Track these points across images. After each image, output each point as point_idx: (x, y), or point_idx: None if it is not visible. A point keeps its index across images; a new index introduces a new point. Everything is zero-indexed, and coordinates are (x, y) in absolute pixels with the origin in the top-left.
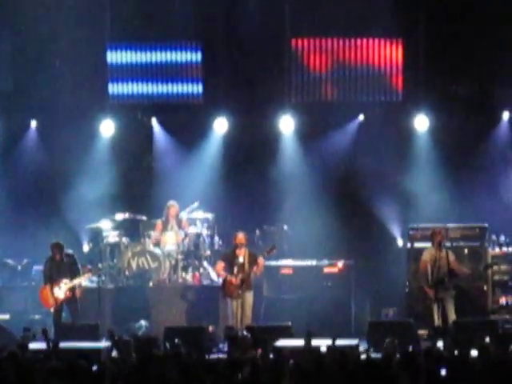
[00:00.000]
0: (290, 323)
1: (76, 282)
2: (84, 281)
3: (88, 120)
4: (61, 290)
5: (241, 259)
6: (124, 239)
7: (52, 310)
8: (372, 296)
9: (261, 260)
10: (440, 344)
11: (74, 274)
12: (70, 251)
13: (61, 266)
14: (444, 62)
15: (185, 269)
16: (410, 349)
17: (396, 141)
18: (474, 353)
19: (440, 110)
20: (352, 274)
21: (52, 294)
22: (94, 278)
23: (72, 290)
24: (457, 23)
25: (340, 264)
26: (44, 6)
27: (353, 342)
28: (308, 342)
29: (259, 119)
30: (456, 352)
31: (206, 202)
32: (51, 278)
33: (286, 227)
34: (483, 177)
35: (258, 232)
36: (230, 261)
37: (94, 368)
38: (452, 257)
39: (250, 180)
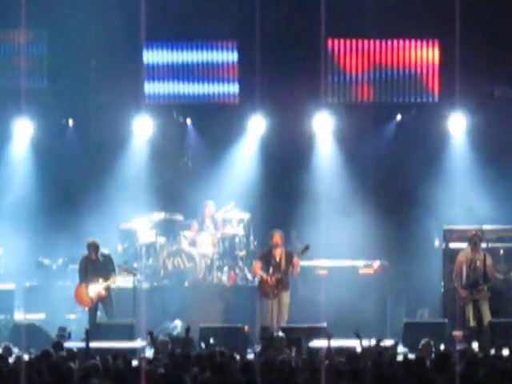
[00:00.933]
0: (325, 324)
1: (111, 281)
2: (119, 281)
3: (124, 119)
4: (96, 290)
5: (277, 259)
6: (160, 239)
7: (87, 309)
8: (407, 297)
9: (296, 260)
10: (475, 345)
11: (109, 273)
12: (107, 251)
13: (96, 265)
14: (480, 62)
15: (220, 269)
16: (443, 348)
17: (433, 142)
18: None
19: (477, 111)
20: (387, 275)
21: (87, 293)
22: (130, 278)
23: (107, 289)
24: (493, 23)
25: (375, 265)
26: (81, 3)
27: (388, 342)
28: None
29: (295, 119)
30: (491, 352)
31: (241, 202)
32: (86, 277)
33: (323, 227)
34: None
35: (294, 232)
36: (267, 260)
37: (130, 367)
38: (489, 260)
39: (286, 180)
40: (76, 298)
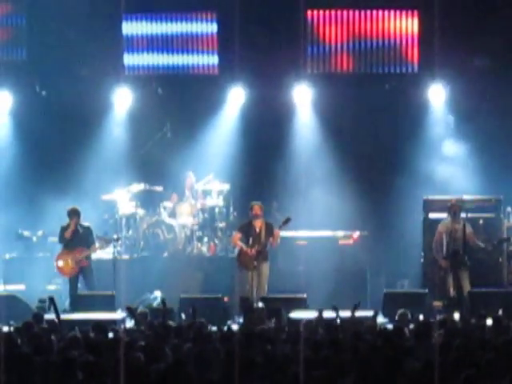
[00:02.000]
0: (305, 295)
1: (92, 250)
2: (99, 252)
3: (104, 91)
4: (77, 259)
5: (257, 230)
6: (139, 210)
7: (68, 278)
8: (387, 267)
9: (277, 231)
10: (455, 315)
11: (89, 244)
12: (87, 223)
13: (77, 235)
14: (459, 33)
15: (200, 240)
16: (423, 318)
17: (413, 112)
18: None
19: (456, 82)
20: (367, 245)
21: (68, 262)
22: (109, 250)
23: (88, 258)
24: None
25: (355, 235)
26: None
27: (369, 313)
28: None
29: (275, 90)
30: (471, 322)
31: (221, 174)
32: (67, 245)
33: (302, 199)
34: (499, 148)
35: (275, 204)
36: (247, 232)
37: (110, 339)
38: (469, 229)
39: (267, 152)
40: (57, 266)
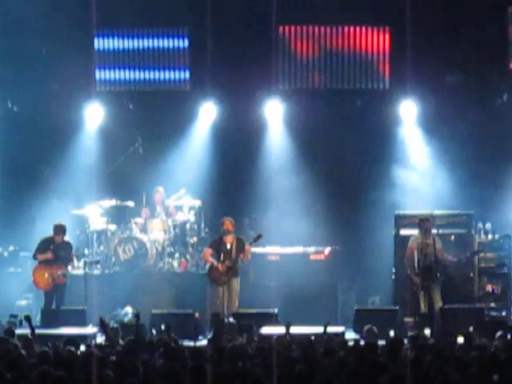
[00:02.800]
0: (276, 310)
1: (70, 267)
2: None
3: (75, 106)
4: (55, 275)
5: (228, 246)
6: (111, 226)
7: (44, 292)
8: (359, 283)
9: (248, 247)
10: (426, 331)
11: (68, 260)
12: (67, 239)
13: (58, 250)
14: (431, 49)
15: (171, 255)
16: (394, 335)
17: (384, 128)
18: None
19: (427, 98)
20: (338, 261)
21: (46, 275)
22: (80, 264)
23: (65, 276)
24: (444, 11)
25: (326, 251)
26: None
27: (339, 329)
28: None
29: (247, 106)
30: (442, 339)
31: (193, 189)
32: (46, 260)
33: (274, 214)
34: (470, 164)
35: (247, 220)
36: (218, 247)
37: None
38: (439, 244)
39: (238, 167)
40: (34, 279)
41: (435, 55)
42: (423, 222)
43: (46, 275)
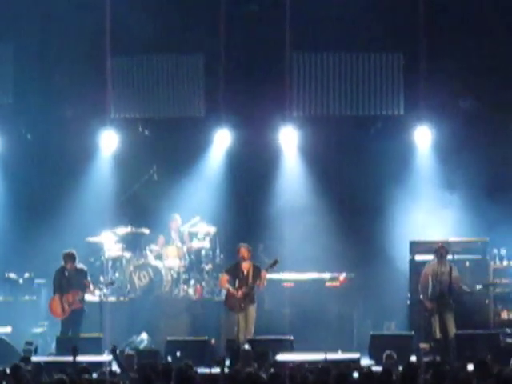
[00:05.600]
0: (291, 337)
1: (87, 292)
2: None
3: (90, 133)
4: (70, 301)
5: (245, 272)
6: (126, 253)
7: (61, 320)
8: (374, 309)
9: (264, 273)
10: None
11: (83, 286)
12: (81, 266)
13: (71, 278)
14: (444, 74)
15: (186, 282)
16: (410, 361)
17: (398, 154)
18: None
19: (441, 123)
20: (354, 287)
21: (61, 304)
22: (96, 292)
23: (81, 301)
24: (457, 37)
25: (341, 277)
26: (46, 20)
27: (355, 355)
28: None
29: (261, 133)
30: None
31: (208, 216)
32: (61, 289)
33: (289, 241)
34: (485, 189)
35: (261, 246)
36: (234, 274)
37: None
38: (455, 273)
39: (253, 194)
40: (50, 308)
41: (448, 80)
42: (439, 249)
43: (62, 303)
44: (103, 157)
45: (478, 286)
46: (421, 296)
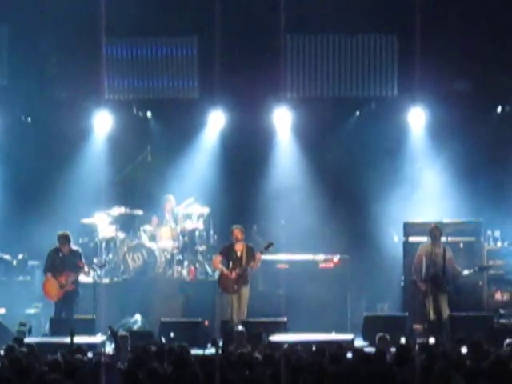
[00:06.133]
0: (285, 318)
1: (80, 273)
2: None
3: (84, 115)
4: (63, 283)
5: (238, 254)
6: (120, 234)
7: (54, 301)
8: (368, 290)
9: (258, 255)
10: (431, 340)
11: (77, 268)
12: (75, 247)
13: (65, 259)
14: (439, 56)
15: (180, 263)
16: (404, 342)
17: (392, 135)
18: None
19: (435, 105)
20: (348, 269)
21: (54, 286)
22: (91, 273)
23: (75, 283)
24: (451, 19)
25: (335, 259)
26: (40, 2)
27: (348, 336)
28: None
29: (255, 114)
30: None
31: (202, 197)
32: (54, 269)
33: (283, 222)
34: (479, 171)
35: (255, 227)
36: (228, 255)
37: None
38: (449, 254)
39: (247, 175)
40: (44, 290)
41: (443, 62)
42: (433, 230)
43: (56, 285)
44: (97, 138)
45: (467, 271)
46: (414, 277)
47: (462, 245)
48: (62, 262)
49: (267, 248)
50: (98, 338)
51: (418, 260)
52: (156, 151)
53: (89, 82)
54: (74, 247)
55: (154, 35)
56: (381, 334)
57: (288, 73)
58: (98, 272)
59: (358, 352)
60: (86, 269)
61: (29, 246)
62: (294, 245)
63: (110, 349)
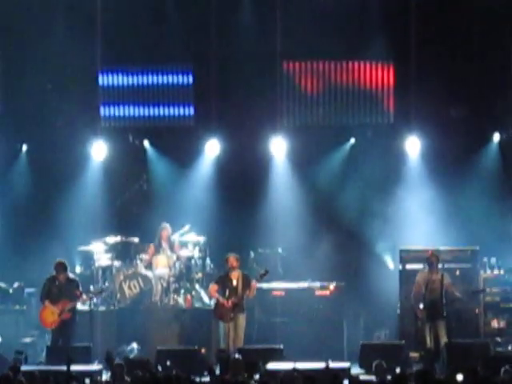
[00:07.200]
0: (281, 346)
1: (78, 301)
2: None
3: (80, 143)
4: (60, 311)
5: (234, 282)
6: (116, 262)
7: (51, 329)
8: (364, 318)
9: (254, 283)
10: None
11: (74, 296)
12: (72, 276)
13: (62, 287)
14: (434, 84)
15: (176, 291)
16: (400, 370)
17: (387, 163)
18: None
19: (431, 132)
20: (344, 297)
21: (51, 314)
22: (87, 301)
23: (71, 311)
24: (447, 46)
25: (332, 286)
26: (36, 29)
27: (345, 364)
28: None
29: (251, 142)
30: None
31: (198, 225)
32: (51, 298)
33: (280, 250)
34: (475, 199)
35: (252, 254)
36: (224, 283)
37: None
38: (447, 280)
39: (243, 203)
40: (41, 318)
41: (439, 89)
42: (430, 257)
43: (52, 312)
44: (93, 166)
45: (469, 292)
46: (413, 304)
47: (458, 272)
48: (59, 290)
49: (263, 276)
50: (94, 366)
51: (417, 287)
52: (152, 179)
53: (85, 109)
54: (70, 276)
55: (150, 63)
56: (377, 361)
57: (284, 100)
58: (95, 300)
59: (353, 380)
60: (83, 297)
61: (25, 273)
62: (291, 272)
63: (106, 377)
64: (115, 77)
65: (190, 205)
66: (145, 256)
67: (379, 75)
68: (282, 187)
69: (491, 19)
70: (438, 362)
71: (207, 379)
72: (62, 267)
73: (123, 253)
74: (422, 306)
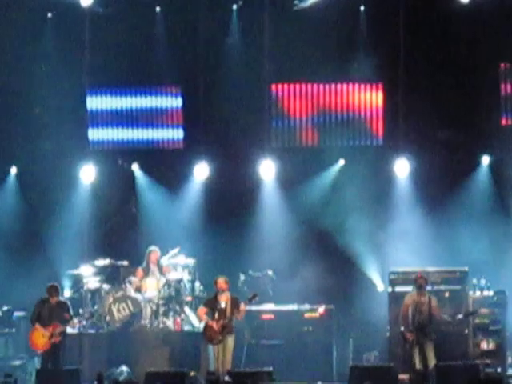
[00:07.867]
0: (271, 368)
1: (68, 325)
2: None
3: (68, 166)
4: (50, 335)
5: (223, 304)
6: (105, 285)
7: (40, 353)
8: (354, 340)
9: (242, 306)
10: None
11: (65, 320)
12: (64, 299)
13: (52, 310)
14: (423, 106)
15: (166, 314)
16: None
17: (377, 185)
18: None
19: (420, 155)
20: (333, 319)
21: (41, 337)
22: (76, 324)
23: (61, 334)
24: (435, 68)
25: (321, 309)
26: (25, 50)
27: None
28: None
29: (240, 165)
30: None
31: (187, 248)
32: (41, 320)
33: (270, 272)
34: (464, 220)
35: (242, 277)
36: (212, 306)
37: None
38: (434, 303)
39: (232, 225)
40: (31, 341)
41: (428, 111)
42: (418, 279)
43: (43, 335)
44: (82, 189)
45: (459, 316)
46: (401, 327)
47: (447, 294)
48: (50, 313)
49: (251, 300)
50: None
51: (405, 310)
52: (141, 202)
53: (73, 133)
54: (61, 299)
55: (139, 86)
56: (367, 383)
57: (272, 123)
58: (84, 323)
59: None
60: (74, 321)
61: (14, 297)
62: (280, 294)
63: None
64: (104, 100)
65: (179, 227)
66: (134, 279)
67: (367, 97)
68: (271, 209)
69: (479, 42)
70: None
71: None
72: (54, 290)
73: (112, 276)
74: (409, 328)
